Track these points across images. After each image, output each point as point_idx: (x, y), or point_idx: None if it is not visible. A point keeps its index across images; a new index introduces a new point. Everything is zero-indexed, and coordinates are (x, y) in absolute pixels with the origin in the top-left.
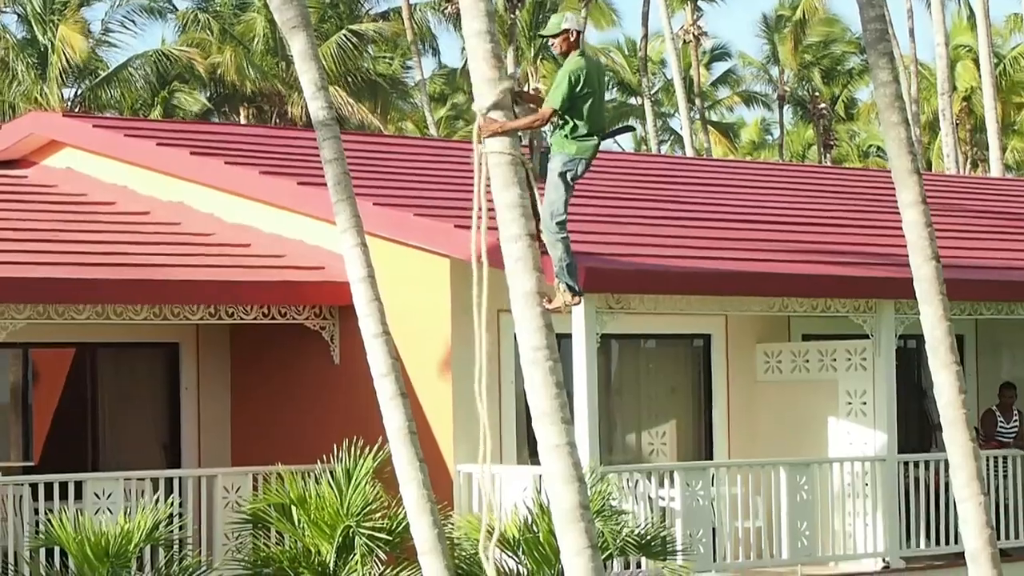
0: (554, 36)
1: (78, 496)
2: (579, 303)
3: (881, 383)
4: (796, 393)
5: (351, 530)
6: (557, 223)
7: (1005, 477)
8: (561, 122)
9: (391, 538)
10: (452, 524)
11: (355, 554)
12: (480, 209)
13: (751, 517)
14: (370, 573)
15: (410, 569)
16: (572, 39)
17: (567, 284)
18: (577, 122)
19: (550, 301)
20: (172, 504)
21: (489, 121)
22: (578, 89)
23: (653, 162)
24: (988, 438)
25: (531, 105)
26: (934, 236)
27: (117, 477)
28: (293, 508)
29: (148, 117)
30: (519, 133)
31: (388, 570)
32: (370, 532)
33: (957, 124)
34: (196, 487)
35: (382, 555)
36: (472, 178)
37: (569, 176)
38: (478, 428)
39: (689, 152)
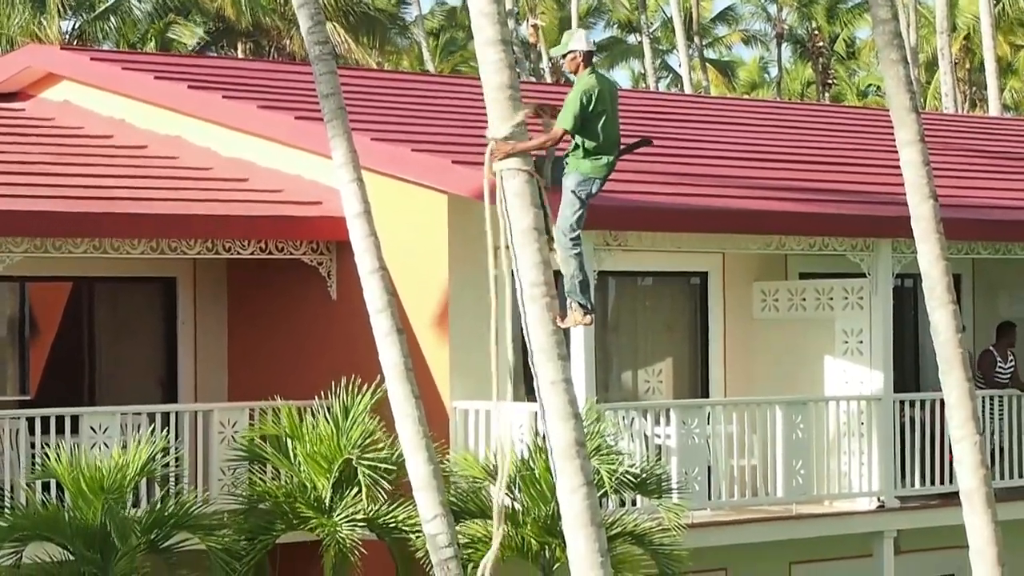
0: (562, 56)
1: (75, 430)
2: (591, 322)
3: (878, 322)
4: (793, 331)
5: (349, 464)
6: (571, 239)
7: (1001, 418)
8: (575, 143)
9: (389, 472)
10: (448, 461)
11: (352, 488)
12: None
13: (746, 455)
14: (368, 508)
15: (405, 505)
16: (580, 59)
17: (579, 303)
18: (590, 141)
19: (562, 319)
20: (167, 436)
21: (501, 144)
22: (590, 108)
23: (651, 99)
24: (987, 380)
25: (554, 117)
26: (932, 175)
27: (114, 411)
28: (289, 442)
29: (144, 51)
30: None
31: (384, 506)
32: (372, 464)
33: (956, 64)
34: (192, 422)
35: (385, 487)
36: (470, 113)
37: (583, 195)
38: (474, 365)
39: (687, 90)
